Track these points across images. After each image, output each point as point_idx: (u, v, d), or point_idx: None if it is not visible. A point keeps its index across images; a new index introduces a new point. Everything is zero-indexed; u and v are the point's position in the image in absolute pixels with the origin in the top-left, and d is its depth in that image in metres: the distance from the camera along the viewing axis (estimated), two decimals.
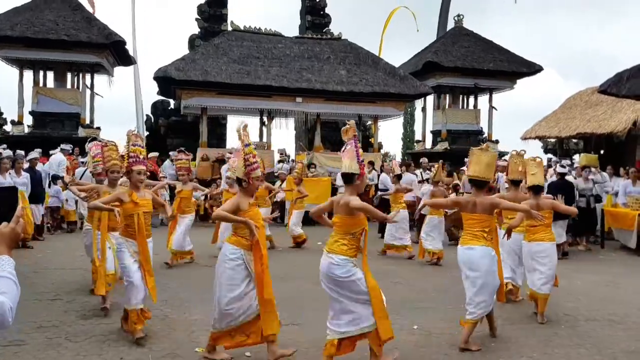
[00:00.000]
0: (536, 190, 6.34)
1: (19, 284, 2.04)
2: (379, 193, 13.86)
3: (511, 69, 22.38)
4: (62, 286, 7.26)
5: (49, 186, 12.58)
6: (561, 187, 9.91)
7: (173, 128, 20.66)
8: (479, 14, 77.15)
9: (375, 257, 10.28)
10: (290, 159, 18.43)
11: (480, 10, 75.88)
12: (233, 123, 22.31)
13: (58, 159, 13.73)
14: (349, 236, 4.53)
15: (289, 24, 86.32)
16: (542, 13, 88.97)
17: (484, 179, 5.38)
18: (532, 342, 5.39)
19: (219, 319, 4.67)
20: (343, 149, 4.74)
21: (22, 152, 12.18)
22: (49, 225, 12.78)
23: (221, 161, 15.71)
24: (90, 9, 20.94)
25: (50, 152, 14.10)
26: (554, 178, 11.33)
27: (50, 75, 20.89)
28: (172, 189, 11.38)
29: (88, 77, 20.80)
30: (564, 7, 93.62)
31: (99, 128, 20.71)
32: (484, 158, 5.39)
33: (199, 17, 21.90)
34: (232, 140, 21.63)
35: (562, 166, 11.42)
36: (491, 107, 23.60)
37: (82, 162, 13.19)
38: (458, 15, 24.75)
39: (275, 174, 15.89)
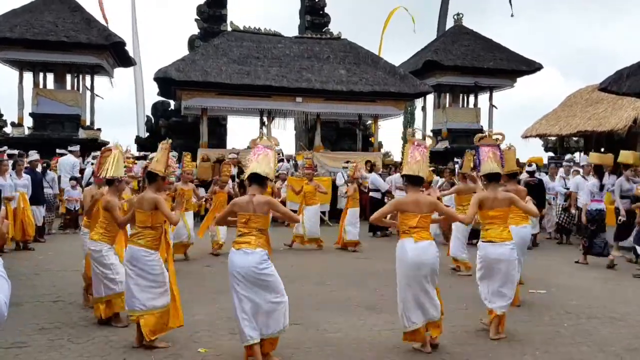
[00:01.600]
0: (490, 178, 5.63)
1: (9, 280, 2.05)
2: (370, 193, 13.88)
3: (511, 67, 22.37)
4: (64, 288, 7.26)
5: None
6: (531, 185, 10.72)
7: (173, 129, 20.63)
8: (479, 13, 77.09)
9: (376, 258, 10.29)
10: (292, 159, 18.38)
11: (480, 9, 75.86)
12: (233, 123, 22.37)
13: (72, 162, 13.83)
14: (508, 225, 5.63)
15: (288, 24, 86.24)
16: (542, 11, 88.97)
17: (515, 171, 6.76)
18: (535, 340, 5.39)
19: None
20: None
21: (24, 153, 12.25)
22: (61, 225, 13.18)
23: (222, 162, 15.68)
24: (102, 19, 21.03)
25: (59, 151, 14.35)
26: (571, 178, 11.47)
27: (50, 76, 20.90)
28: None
29: (88, 78, 20.82)
30: (565, 4, 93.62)
31: (99, 129, 20.73)
32: (512, 155, 6.63)
33: (199, 18, 21.88)
34: (232, 140, 21.66)
35: (530, 165, 11.90)
36: (491, 106, 23.60)
37: (92, 163, 13.28)
38: (458, 14, 24.74)
39: (276, 175, 15.88)
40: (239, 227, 4.63)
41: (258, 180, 4.68)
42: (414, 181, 5.04)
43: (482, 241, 5.55)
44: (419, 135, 5.49)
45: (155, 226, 5.08)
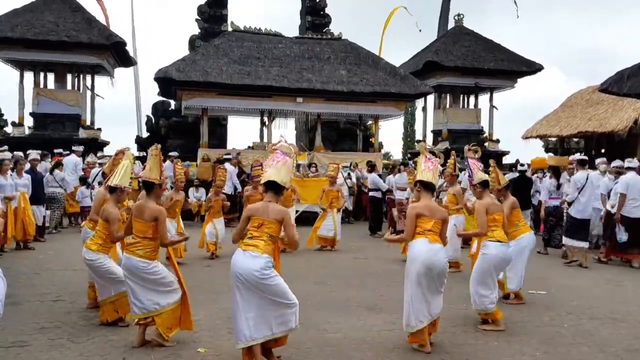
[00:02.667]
0: (485, 185, 6.11)
1: (4, 279, 2.06)
2: (370, 193, 13.87)
3: (512, 68, 22.38)
4: (64, 287, 7.27)
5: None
6: (520, 183, 11.70)
7: (173, 129, 20.64)
8: (479, 13, 77.23)
9: (375, 259, 10.30)
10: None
11: (480, 9, 75.94)
12: (234, 124, 22.38)
13: (74, 161, 13.91)
14: None
15: (289, 24, 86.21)
16: (543, 11, 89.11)
17: (507, 183, 6.92)
18: (535, 340, 5.39)
19: None
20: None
21: (21, 154, 12.29)
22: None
23: (222, 162, 15.70)
24: (103, 18, 21.06)
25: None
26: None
27: (50, 76, 20.93)
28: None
29: (89, 78, 20.83)
30: (566, 5, 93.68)
31: (99, 129, 20.74)
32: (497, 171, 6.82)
33: (199, 18, 21.88)
34: (232, 141, 21.65)
35: (522, 164, 12.56)
36: (492, 107, 23.60)
37: (100, 164, 13.40)
38: (458, 15, 24.75)
39: None
40: (250, 230, 4.52)
41: (275, 188, 4.59)
42: (427, 187, 5.24)
43: (490, 241, 5.84)
44: (428, 146, 5.78)
45: (155, 237, 5.01)
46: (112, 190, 5.58)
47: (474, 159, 6.28)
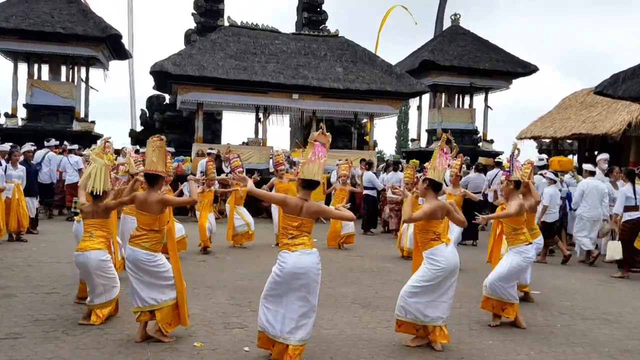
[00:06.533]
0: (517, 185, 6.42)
1: None
2: (365, 191, 13.84)
3: (507, 69, 22.46)
4: (58, 279, 7.22)
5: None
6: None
7: (168, 123, 20.57)
8: (478, 11, 77.43)
9: (368, 256, 10.31)
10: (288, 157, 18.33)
11: (479, 7, 76.13)
12: (228, 119, 22.32)
13: (74, 160, 13.89)
14: None
15: (285, 20, 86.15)
16: (543, 10, 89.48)
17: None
18: (529, 340, 5.42)
19: None
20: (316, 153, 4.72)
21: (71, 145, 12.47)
22: None
23: (216, 157, 15.65)
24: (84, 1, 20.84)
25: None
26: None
27: (44, 68, 20.79)
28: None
29: (83, 70, 20.71)
30: (563, 6, 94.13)
31: (93, 122, 20.62)
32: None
33: (195, 12, 21.80)
34: (227, 136, 21.59)
35: (469, 165, 13.69)
36: (487, 107, 23.67)
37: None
38: (455, 14, 24.80)
39: (271, 171, 15.87)
40: (289, 229, 4.49)
41: (314, 186, 4.61)
42: (436, 187, 5.16)
43: (526, 244, 5.93)
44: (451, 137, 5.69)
45: (160, 229, 5.01)
46: (97, 196, 5.45)
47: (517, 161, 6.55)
